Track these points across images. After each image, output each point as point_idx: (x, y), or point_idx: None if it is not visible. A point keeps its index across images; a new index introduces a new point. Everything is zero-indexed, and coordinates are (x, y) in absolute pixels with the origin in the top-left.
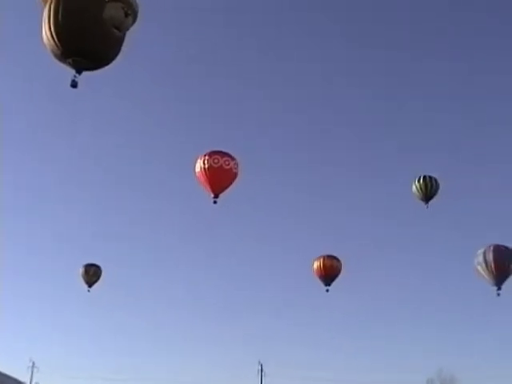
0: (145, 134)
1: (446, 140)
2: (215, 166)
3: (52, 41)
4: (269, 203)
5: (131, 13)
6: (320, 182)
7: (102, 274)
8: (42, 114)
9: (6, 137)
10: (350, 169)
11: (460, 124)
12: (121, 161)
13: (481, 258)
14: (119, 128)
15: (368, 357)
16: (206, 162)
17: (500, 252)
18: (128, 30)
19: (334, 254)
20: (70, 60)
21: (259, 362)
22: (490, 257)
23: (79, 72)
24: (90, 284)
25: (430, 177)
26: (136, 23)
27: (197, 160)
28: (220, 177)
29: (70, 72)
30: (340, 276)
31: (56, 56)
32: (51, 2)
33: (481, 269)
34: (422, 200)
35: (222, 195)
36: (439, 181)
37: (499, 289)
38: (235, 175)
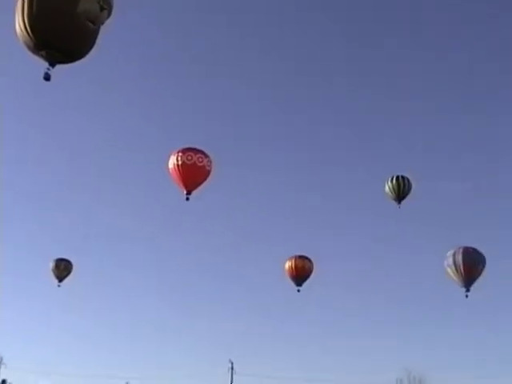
0: (120, 127)
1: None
2: (188, 162)
3: (25, 33)
4: (244, 202)
5: (107, 7)
6: (294, 181)
7: (73, 268)
8: (14, 107)
9: None
10: (324, 170)
11: (459, 124)
12: (93, 154)
13: (450, 260)
14: (92, 121)
15: (338, 356)
16: (179, 158)
17: (469, 254)
18: (103, 23)
19: (306, 254)
20: (43, 52)
21: (230, 360)
22: (460, 259)
23: (52, 65)
24: (60, 279)
25: (403, 177)
26: (111, 16)
27: (170, 156)
28: (193, 174)
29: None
30: (312, 276)
31: (29, 48)
32: None
33: (450, 271)
34: (395, 200)
35: (194, 192)
36: (412, 181)
37: (468, 290)
38: (208, 172)
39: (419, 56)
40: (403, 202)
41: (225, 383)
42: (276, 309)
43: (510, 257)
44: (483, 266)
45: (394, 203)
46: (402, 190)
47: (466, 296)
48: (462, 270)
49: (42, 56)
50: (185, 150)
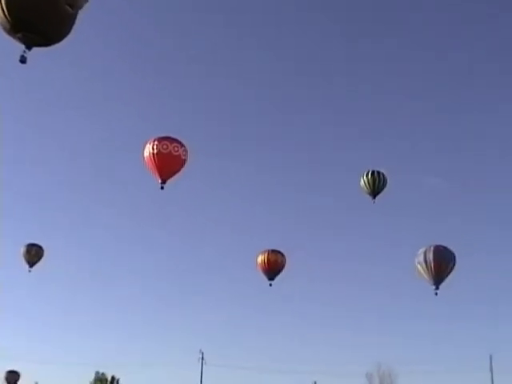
0: (117, 127)
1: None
2: (164, 151)
3: (2, 14)
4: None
5: None
6: (269, 174)
7: (44, 254)
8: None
9: None
10: (310, 167)
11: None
12: (67, 143)
13: (421, 258)
14: (68, 106)
15: (308, 348)
16: (154, 147)
17: (440, 252)
18: (81, 8)
19: (280, 244)
20: (19, 35)
21: (200, 350)
22: (430, 257)
23: (29, 48)
24: (31, 264)
25: (379, 172)
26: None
27: (145, 144)
28: (168, 163)
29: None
30: (284, 270)
31: (5, 30)
32: None
33: (421, 268)
34: (370, 195)
35: (169, 181)
36: (387, 176)
37: (437, 288)
38: (184, 162)
39: (420, 55)
40: (378, 197)
41: (195, 373)
42: (250, 300)
43: (481, 252)
44: (453, 265)
45: (369, 198)
46: (377, 186)
47: (436, 294)
48: (433, 268)
49: (18, 39)
50: (160, 139)
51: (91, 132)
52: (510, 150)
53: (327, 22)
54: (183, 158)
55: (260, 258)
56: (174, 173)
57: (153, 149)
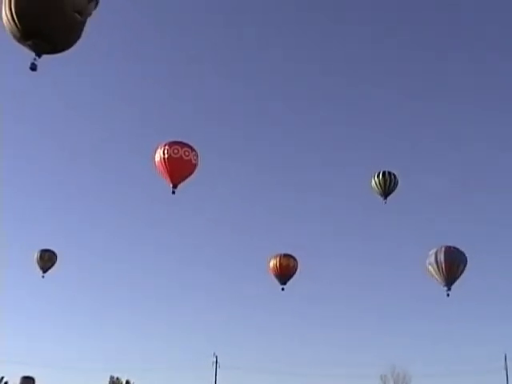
0: (106, 120)
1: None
2: (175, 156)
3: (12, 22)
4: (231, 197)
5: None
6: (281, 178)
7: (58, 259)
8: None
9: None
10: (314, 167)
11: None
12: (81, 147)
13: (432, 259)
14: (78, 113)
15: (323, 350)
16: (165, 151)
17: (451, 253)
18: (90, 15)
19: (291, 248)
20: (29, 42)
21: (214, 353)
22: (442, 258)
23: (39, 55)
24: (44, 269)
25: (390, 172)
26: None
27: (156, 149)
28: (179, 167)
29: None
30: (297, 272)
31: (15, 38)
32: None
33: (432, 269)
34: (381, 195)
35: (180, 186)
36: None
37: (449, 289)
38: (194, 166)
39: (420, 55)
40: (389, 198)
41: (208, 376)
42: (261, 302)
43: (493, 252)
44: (464, 266)
45: (380, 198)
46: (388, 187)
47: (448, 295)
48: (444, 269)
49: (28, 46)
50: (171, 144)
51: (91, 132)
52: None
53: (327, 21)
54: (194, 162)
55: (272, 263)
56: (185, 177)
57: (164, 153)
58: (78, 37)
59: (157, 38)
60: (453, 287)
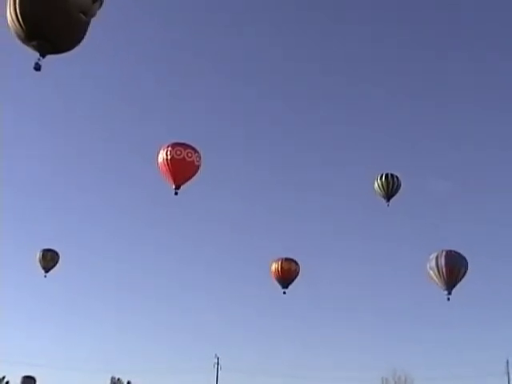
0: (108, 121)
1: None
2: (178, 157)
3: (17, 23)
4: (233, 196)
5: None
6: (281, 178)
7: (60, 259)
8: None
9: None
10: (314, 166)
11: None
12: (81, 147)
13: (433, 263)
14: (78, 113)
15: (324, 353)
16: (168, 153)
17: (452, 258)
18: (95, 15)
19: (293, 255)
20: (34, 43)
21: (216, 355)
22: (442, 262)
23: (43, 55)
24: (46, 269)
25: (392, 175)
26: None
27: (159, 150)
28: (182, 168)
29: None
30: (298, 277)
31: (20, 38)
32: None
33: (433, 273)
34: (384, 198)
35: (183, 187)
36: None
37: (449, 293)
38: (197, 168)
39: (420, 55)
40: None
41: (210, 377)
42: (263, 303)
43: (494, 255)
44: (465, 270)
45: (383, 201)
46: (391, 189)
47: (448, 299)
48: (444, 274)
49: (33, 46)
50: (174, 145)
51: (92, 132)
52: None
53: (327, 21)
54: (197, 163)
55: (274, 267)
56: (188, 178)
57: (166, 155)
58: (82, 37)
59: (158, 38)
60: (455, 291)
